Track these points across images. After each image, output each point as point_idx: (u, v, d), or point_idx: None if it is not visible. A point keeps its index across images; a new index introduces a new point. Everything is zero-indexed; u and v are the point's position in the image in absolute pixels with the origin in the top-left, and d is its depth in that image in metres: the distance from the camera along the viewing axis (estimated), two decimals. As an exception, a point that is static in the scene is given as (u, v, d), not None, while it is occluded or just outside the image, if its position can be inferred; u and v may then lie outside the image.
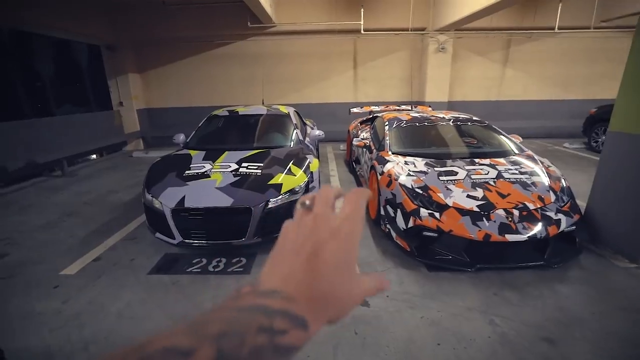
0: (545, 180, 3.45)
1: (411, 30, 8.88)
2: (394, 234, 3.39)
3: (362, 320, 2.50)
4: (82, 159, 8.27)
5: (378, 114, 6.13)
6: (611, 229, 3.39)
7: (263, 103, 6.69)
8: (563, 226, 3.01)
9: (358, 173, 5.62)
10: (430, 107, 7.23)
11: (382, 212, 3.60)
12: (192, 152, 4.27)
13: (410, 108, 6.66)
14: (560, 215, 3.08)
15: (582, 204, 3.70)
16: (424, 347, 2.26)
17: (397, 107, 6.79)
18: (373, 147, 4.72)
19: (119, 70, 9.40)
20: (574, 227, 3.08)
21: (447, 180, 3.44)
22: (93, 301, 2.81)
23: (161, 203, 3.35)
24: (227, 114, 5.26)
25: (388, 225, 3.49)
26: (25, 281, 3.14)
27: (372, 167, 4.18)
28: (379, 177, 3.80)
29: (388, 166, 3.82)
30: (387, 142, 4.43)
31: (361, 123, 6.78)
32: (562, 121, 10.04)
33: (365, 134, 5.67)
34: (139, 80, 9.89)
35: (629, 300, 2.67)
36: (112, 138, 9.02)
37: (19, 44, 6.84)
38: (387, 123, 4.82)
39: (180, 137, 4.81)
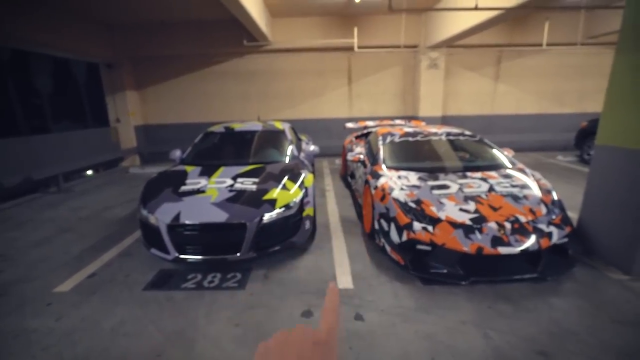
0: (536, 193, 3.50)
1: (403, 47, 9.08)
2: (388, 248, 3.41)
3: (357, 335, 2.49)
4: (78, 175, 8.28)
5: (372, 129, 6.21)
6: (604, 241, 3.42)
7: (259, 119, 6.76)
8: (555, 238, 3.05)
9: (353, 187, 5.66)
10: (423, 122, 7.34)
11: (377, 226, 3.62)
12: (188, 168, 4.31)
13: (404, 123, 6.77)
14: (552, 228, 3.12)
15: (575, 216, 3.74)
16: (419, 361, 2.25)
17: (391, 122, 6.89)
18: (367, 162, 4.77)
19: (116, 87, 9.51)
20: (566, 240, 3.12)
21: (440, 194, 3.48)
22: (87, 318, 2.79)
23: (157, 219, 3.36)
24: (223, 130, 5.32)
25: (382, 239, 3.51)
26: (19, 298, 3.12)
27: (367, 182, 4.23)
28: (373, 191, 3.84)
29: (382, 180, 3.87)
30: (381, 156, 4.49)
31: (356, 138, 6.85)
32: (554, 134, 10.20)
33: (359, 149, 5.73)
34: (136, 96, 9.99)
35: (623, 312, 2.68)
36: (109, 154, 9.07)
37: (17, 62, 6.93)
38: (380, 138, 4.89)
39: (177, 153, 4.84)
